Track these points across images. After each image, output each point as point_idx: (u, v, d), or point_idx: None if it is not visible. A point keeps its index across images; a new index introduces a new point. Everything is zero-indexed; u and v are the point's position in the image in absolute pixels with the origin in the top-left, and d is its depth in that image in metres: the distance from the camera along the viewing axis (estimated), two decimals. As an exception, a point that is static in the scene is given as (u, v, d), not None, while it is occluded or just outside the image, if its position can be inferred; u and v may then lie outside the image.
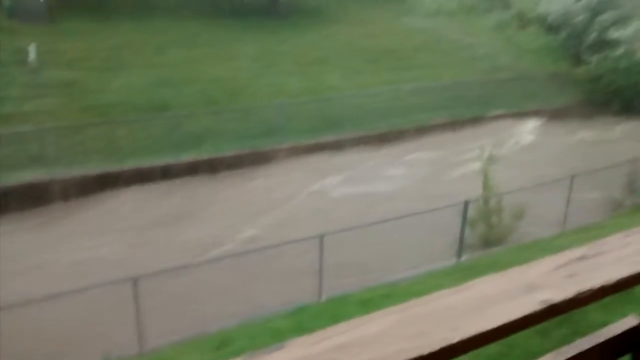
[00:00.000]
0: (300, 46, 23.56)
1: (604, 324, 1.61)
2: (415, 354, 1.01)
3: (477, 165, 12.65)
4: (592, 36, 24.53)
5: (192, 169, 16.06)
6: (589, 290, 1.29)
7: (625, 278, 1.37)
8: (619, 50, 23.63)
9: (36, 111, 16.46)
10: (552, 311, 1.22)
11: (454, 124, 20.46)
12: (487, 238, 11.79)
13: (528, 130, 20.55)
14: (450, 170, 16.85)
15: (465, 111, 20.99)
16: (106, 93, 18.17)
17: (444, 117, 20.54)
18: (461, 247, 11.49)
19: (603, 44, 24.23)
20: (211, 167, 16.32)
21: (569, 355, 1.46)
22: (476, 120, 20.85)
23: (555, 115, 22.28)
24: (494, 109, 21.52)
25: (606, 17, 24.15)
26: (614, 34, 23.87)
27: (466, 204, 11.30)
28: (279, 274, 10.92)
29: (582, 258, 1.42)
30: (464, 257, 11.41)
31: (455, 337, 1.07)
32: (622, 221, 11.74)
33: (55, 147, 15.12)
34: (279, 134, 17.72)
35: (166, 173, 15.69)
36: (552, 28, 26.08)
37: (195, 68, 20.46)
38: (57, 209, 14.19)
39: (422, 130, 19.91)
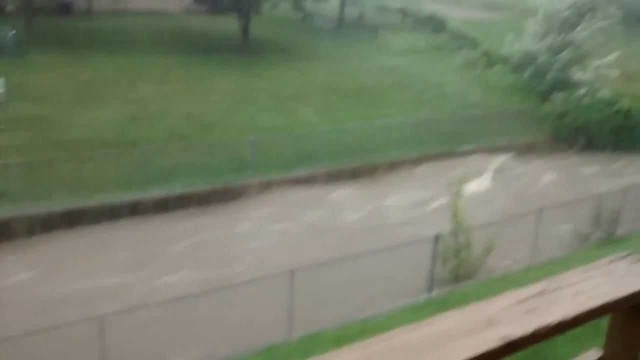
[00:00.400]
0: (274, 82, 23.79)
1: (571, 358, 1.61)
2: None
3: (447, 200, 12.78)
4: (555, 75, 25.34)
5: (162, 205, 15.86)
6: (547, 325, 1.29)
7: (584, 313, 1.37)
8: (582, 89, 24.42)
9: (3, 146, 16.17)
10: (511, 347, 1.22)
11: (426, 159, 20.70)
12: (457, 272, 11.84)
13: (497, 165, 20.91)
14: (421, 204, 16.99)
15: (436, 147, 21.30)
16: (75, 128, 17.98)
17: (416, 153, 20.79)
18: (432, 282, 11.52)
19: (566, 83, 25.04)
20: (181, 203, 16.14)
21: None
22: (447, 155, 21.15)
23: (524, 150, 22.76)
24: (465, 145, 21.89)
25: (566, 55, 24.97)
26: (576, 74, 24.70)
27: (436, 238, 11.39)
28: (250, 311, 10.77)
29: (542, 293, 1.42)
30: (435, 292, 11.43)
31: None
32: (589, 255, 11.94)
33: (21, 182, 14.82)
34: (251, 170, 17.68)
35: (135, 209, 15.46)
36: (517, 67, 26.88)
37: (167, 103, 20.45)
38: (20, 246, 13.80)
39: (395, 165, 20.10)
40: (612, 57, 24.79)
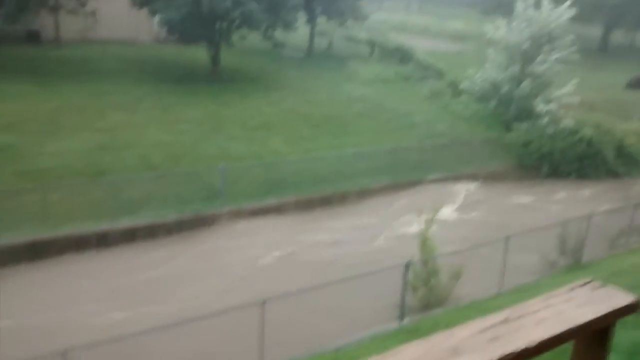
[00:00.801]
0: (244, 111, 23.84)
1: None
2: None
3: (416, 228, 12.89)
4: (518, 105, 26.00)
5: (130, 235, 15.62)
6: (512, 353, 1.33)
7: (547, 339, 1.41)
8: (545, 119, 25.11)
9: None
10: None
11: (394, 187, 20.92)
12: (427, 300, 11.89)
13: (465, 193, 21.23)
14: (391, 232, 17.09)
15: (405, 175, 21.54)
16: (43, 157, 17.68)
17: (385, 181, 20.99)
18: (403, 310, 11.54)
19: (529, 113, 25.70)
20: (150, 232, 15.93)
21: None
22: (416, 183, 21.41)
23: (490, 178, 23.19)
24: (433, 173, 22.19)
25: (527, 85, 25.68)
26: (538, 105, 25.37)
27: (407, 266, 11.44)
28: (220, 342, 10.61)
29: (505, 321, 1.45)
30: (406, 320, 11.44)
31: None
32: (556, 281, 12.12)
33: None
34: (221, 198, 17.59)
35: (103, 240, 15.20)
36: (482, 97, 27.51)
37: (136, 132, 20.29)
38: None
39: (364, 194, 20.24)
40: (571, 87, 25.59)
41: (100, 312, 12.14)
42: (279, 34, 28.84)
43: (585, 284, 1.70)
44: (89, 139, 19.13)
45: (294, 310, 11.08)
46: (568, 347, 1.62)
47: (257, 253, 15.46)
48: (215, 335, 10.58)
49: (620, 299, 1.60)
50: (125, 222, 15.76)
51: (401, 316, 11.49)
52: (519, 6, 26.37)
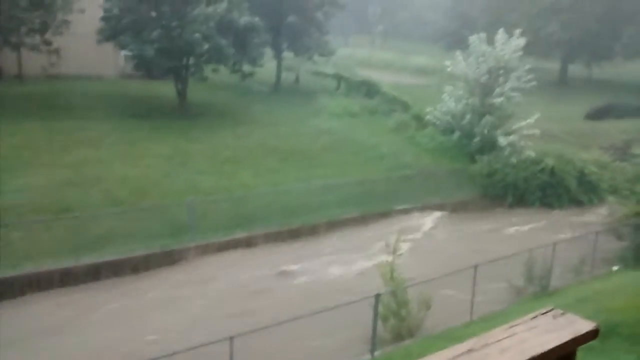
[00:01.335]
0: (212, 145, 23.77)
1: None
2: None
3: (385, 258, 12.91)
4: (481, 137, 26.57)
5: (94, 273, 15.25)
6: None
7: None
8: (506, 150, 25.70)
9: None
10: None
11: (363, 219, 21.01)
12: (398, 331, 11.85)
13: (432, 223, 21.44)
14: (361, 263, 17.06)
15: (373, 206, 21.67)
16: (4, 194, 17.22)
17: (353, 212, 21.08)
18: (374, 342, 11.46)
19: (492, 144, 26.27)
20: (115, 269, 15.57)
21: None
22: (384, 214, 21.54)
23: (456, 208, 23.51)
24: (400, 204, 22.38)
25: (487, 118, 26.29)
26: (500, 137, 25.96)
27: (377, 297, 11.40)
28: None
29: (470, 351, 1.47)
30: (377, 352, 11.35)
31: None
32: (524, 308, 12.25)
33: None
34: (189, 233, 17.36)
35: (65, 277, 14.78)
36: (445, 129, 28.04)
37: (102, 167, 20.01)
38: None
39: (333, 225, 20.26)
40: (531, 120, 26.34)
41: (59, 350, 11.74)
42: (246, 69, 29.08)
43: (547, 312, 1.73)
44: (54, 175, 18.76)
45: (264, 345, 10.90)
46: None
47: (224, 288, 15.21)
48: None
49: (581, 325, 1.63)
50: (89, 260, 15.38)
51: (373, 349, 11.40)
52: (473, 41, 27.17)
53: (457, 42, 52.59)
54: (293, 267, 16.90)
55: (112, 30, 25.80)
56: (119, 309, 13.95)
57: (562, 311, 1.74)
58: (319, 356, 11.53)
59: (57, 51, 27.29)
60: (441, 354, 1.43)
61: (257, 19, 28.04)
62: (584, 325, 1.63)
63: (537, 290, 14.38)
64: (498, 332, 1.58)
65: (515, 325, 1.64)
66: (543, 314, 1.73)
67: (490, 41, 27.07)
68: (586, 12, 50.75)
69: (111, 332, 12.70)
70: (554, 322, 1.67)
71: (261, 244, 18.49)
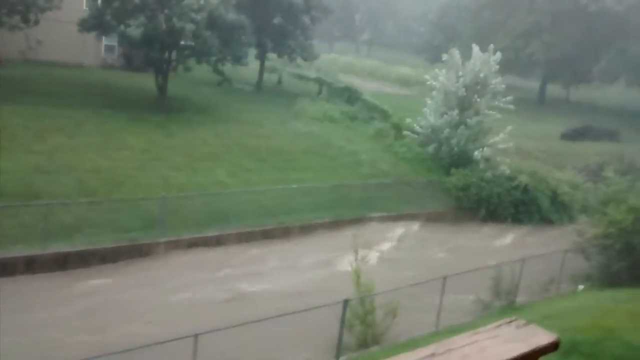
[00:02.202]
0: (189, 141, 23.56)
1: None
2: None
3: (354, 265, 12.90)
4: (457, 149, 26.82)
5: (61, 262, 14.97)
6: None
7: None
8: (481, 164, 25.98)
9: None
10: None
11: (337, 224, 21.01)
12: (364, 338, 11.84)
13: (404, 232, 21.54)
14: (330, 269, 17.04)
15: (347, 212, 21.71)
16: (-29, 178, 16.80)
17: (327, 217, 21.08)
18: (340, 348, 11.43)
19: (468, 158, 26.52)
20: (83, 259, 15.31)
21: None
22: (357, 221, 21.56)
23: (430, 219, 23.68)
24: (375, 211, 22.46)
25: (463, 132, 26.52)
26: (475, 151, 26.22)
27: (345, 303, 11.38)
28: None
29: (432, 356, 1.46)
30: (342, 358, 11.33)
31: None
32: (490, 321, 12.28)
33: None
34: (160, 228, 17.16)
35: (31, 265, 14.48)
36: (423, 141, 28.24)
37: (75, 156, 19.67)
38: None
39: (306, 229, 20.22)
40: (504, 135, 26.70)
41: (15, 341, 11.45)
42: (229, 68, 28.90)
43: (510, 322, 1.73)
44: (25, 160, 18.38)
45: (227, 346, 10.80)
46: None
47: (191, 287, 15.01)
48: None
49: (543, 337, 1.64)
50: (57, 248, 15.09)
51: (337, 355, 11.37)
52: (451, 56, 27.38)
53: (440, 55, 53.20)
54: (261, 269, 16.77)
55: (98, 19, 25.30)
56: (85, 299, 13.69)
57: (525, 322, 1.74)
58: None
59: (36, 35, 26.74)
60: (404, 357, 1.42)
61: (243, 16, 27.93)
62: (546, 337, 1.64)
63: (504, 305, 14.52)
64: (461, 339, 1.58)
65: (479, 333, 1.64)
66: (507, 323, 1.73)
67: (467, 57, 27.34)
68: (566, 34, 51.73)
69: (77, 323, 12.44)
70: (516, 332, 1.67)
71: (233, 243, 18.37)
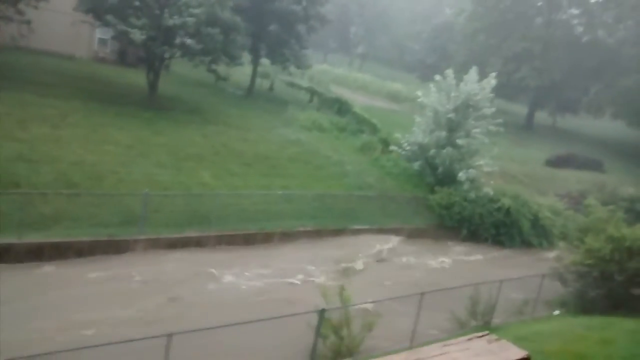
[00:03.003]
0: (176, 140, 23.42)
1: None
2: None
3: (333, 276, 12.89)
4: (442, 169, 26.94)
5: (36, 252, 14.75)
6: None
7: None
8: (465, 185, 26.12)
9: None
10: None
11: (318, 233, 20.99)
12: (338, 349, 11.78)
13: (385, 246, 21.55)
14: (308, 278, 16.98)
15: (330, 222, 21.70)
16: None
17: (309, 225, 21.04)
18: (314, 358, 11.37)
19: (453, 178, 26.65)
20: (58, 251, 15.09)
21: None
22: (339, 231, 21.58)
23: (412, 234, 23.74)
24: (357, 223, 22.47)
25: (450, 152, 26.65)
26: (460, 172, 26.34)
27: (322, 312, 11.33)
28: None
29: None
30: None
31: None
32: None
33: None
34: (139, 225, 17.00)
35: (5, 253, 14.24)
36: (409, 157, 28.34)
37: (58, 147, 19.43)
38: None
39: (287, 235, 20.16)
40: (489, 159, 26.93)
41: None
42: (222, 70, 28.84)
43: (482, 336, 1.74)
44: (6, 148, 18.11)
45: (200, 348, 10.68)
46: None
47: (166, 288, 14.85)
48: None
49: (512, 353, 1.65)
50: (32, 238, 14.87)
51: (311, 364, 11.30)
52: (445, 77, 27.53)
53: (432, 74, 53.67)
54: (237, 273, 16.66)
55: (93, 3, 25.04)
56: (58, 291, 13.48)
57: (496, 337, 1.75)
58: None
59: (28, 22, 26.43)
60: None
61: (238, 18, 27.95)
62: (515, 353, 1.65)
63: (480, 325, 14.55)
64: (432, 349, 1.59)
65: (450, 344, 1.65)
66: (478, 337, 1.74)
67: (462, 79, 27.49)
68: (557, 62, 52.50)
69: (44, 316, 12.24)
70: (487, 346, 1.68)
71: (212, 246, 18.25)
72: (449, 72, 27.55)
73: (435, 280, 17.70)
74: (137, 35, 23.66)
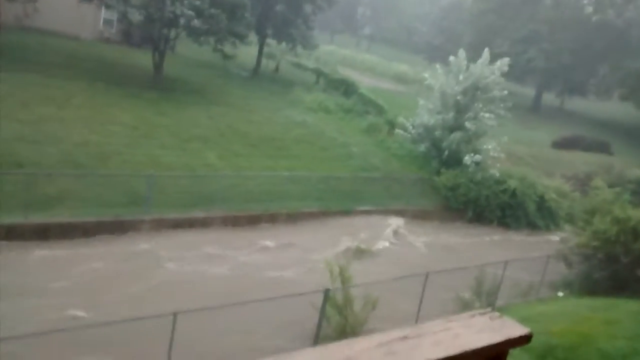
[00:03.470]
0: (181, 121, 23.41)
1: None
2: None
3: (338, 257, 12.92)
4: (449, 150, 26.83)
5: (42, 232, 14.83)
6: None
7: (442, 359, 1.40)
8: (473, 166, 26.02)
9: None
10: None
11: (324, 214, 21.00)
12: (342, 329, 11.85)
13: (391, 228, 21.56)
14: (312, 259, 17.03)
15: (335, 203, 21.71)
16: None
17: (315, 207, 21.06)
18: (318, 337, 11.45)
19: (459, 160, 26.54)
20: (64, 232, 15.17)
21: None
22: (345, 213, 21.59)
23: (417, 216, 23.73)
24: (362, 205, 22.47)
25: (457, 134, 26.54)
26: (467, 154, 26.22)
27: (326, 292, 11.38)
28: (126, 352, 10.16)
29: (404, 338, 1.45)
30: (319, 348, 11.31)
31: None
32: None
33: None
34: (145, 206, 17.05)
35: (11, 233, 14.33)
36: (415, 139, 28.25)
37: (63, 128, 19.44)
38: None
39: (293, 217, 20.19)
40: (498, 144, 26.79)
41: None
42: (228, 49, 28.67)
43: (485, 313, 1.74)
44: (10, 128, 18.11)
45: (205, 326, 10.77)
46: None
47: (171, 267, 14.92)
48: (121, 344, 10.11)
49: (515, 330, 1.66)
50: (38, 218, 14.96)
51: (315, 344, 11.37)
52: (455, 58, 27.32)
53: (439, 55, 53.29)
54: (245, 253, 16.74)
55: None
56: (58, 272, 13.59)
57: (499, 314, 1.75)
58: (258, 346, 11.42)
59: (33, 1, 26.29)
60: (376, 337, 1.42)
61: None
62: (518, 330, 1.66)
63: (484, 306, 14.59)
64: (434, 325, 1.59)
65: (452, 321, 1.65)
66: (481, 314, 1.74)
67: (472, 60, 27.28)
68: (565, 44, 51.99)
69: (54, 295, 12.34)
70: (490, 322, 1.69)
71: (218, 226, 18.30)
72: (462, 53, 27.29)
73: (440, 260, 17.70)
74: (136, 16, 23.57)
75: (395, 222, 22.18)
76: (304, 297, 11.34)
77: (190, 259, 15.55)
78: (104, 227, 15.94)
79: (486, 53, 26.93)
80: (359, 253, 17.70)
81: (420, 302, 13.01)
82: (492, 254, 19.74)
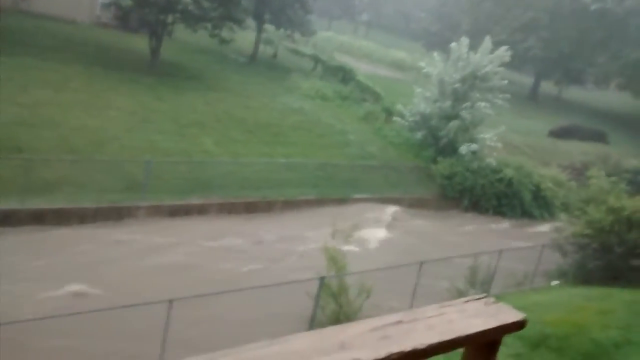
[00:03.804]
0: (178, 107, 23.32)
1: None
2: None
3: (334, 244, 12.94)
4: (445, 139, 26.80)
5: (39, 218, 14.82)
6: (399, 352, 1.32)
7: (437, 344, 1.43)
8: (468, 156, 26.02)
9: None
10: None
11: (320, 202, 21.03)
12: (337, 316, 11.91)
13: (387, 215, 21.61)
14: (308, 246, 17.06)
15: (332, 191, 21.73)
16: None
17: (311, 194, 21.08)
18: (312, 324, 11.51)
19: (455, 148, 26.53)
20: (60, 217, 15.17)
21: None
22: (341, 200, 21.62)
23: (413, 204, 23.78)
24: (359, 192, 22.50)
25: (454, 123, 26.50)
26: (463, 143, 26.19)
27: (321, 280, 11.43)
28: (119, 340, 10.21)
29: (398, 323, 1.46)
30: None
31: None
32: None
33: None
34: (142, 192, 17.04)
35: (7, 219, 14.32)
36: (412, 127, 28.21)
37: (60, 112, 19.36)
38: None
39: (289, 204, 20.22)
40: (493, 134, 26.76)
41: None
42: (226, 34, 28.48)
43: (479, 298, 1.75)
44: (7, 112, 18.02)
45: (200, 313, 10.83)
46: (457, 354, 1.64)
47: (166, 253, 14.93)
48: (116, 332, 10.16)
49: (509, 315, 1.67)
50: (34, 204, 14.93)
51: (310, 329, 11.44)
52: (455, 46, 27.21)
53: (437, 43, 53.00)
54: (239, 240, 16.77)
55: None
56: (55, 257, 13.61)
57: (494, 300, 1.76)
58: (252, 332, 11.49)
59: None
60: (370, 321, 1.44)
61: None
62: (512, 316, 1.67)
63: (478, 295, 14.66)
64: (429, 310, 1.60)
65: (447, 306, 1.67)
66: (476, 299, 1.75)
67: (470, 48, 27.15)
68: (563, 33, 51.75)
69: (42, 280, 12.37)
70: (484, 308, 1.70)
71: (215, 213, 18.31)
72: (464, 40, 27.15)
73: (434, 249, 17.77)
74: (128, 1, 23.44)
75: (391, 209, 22.22)
76: (299, 285, 11.39)
77: (185, 244, 15.58)
78: (100, 214, 15.92)
79: (487, 41, 26.80)
80: (354, 241, 17.75)
81: (415, 290, 13.07)
82: (487, 241, 19.78)
